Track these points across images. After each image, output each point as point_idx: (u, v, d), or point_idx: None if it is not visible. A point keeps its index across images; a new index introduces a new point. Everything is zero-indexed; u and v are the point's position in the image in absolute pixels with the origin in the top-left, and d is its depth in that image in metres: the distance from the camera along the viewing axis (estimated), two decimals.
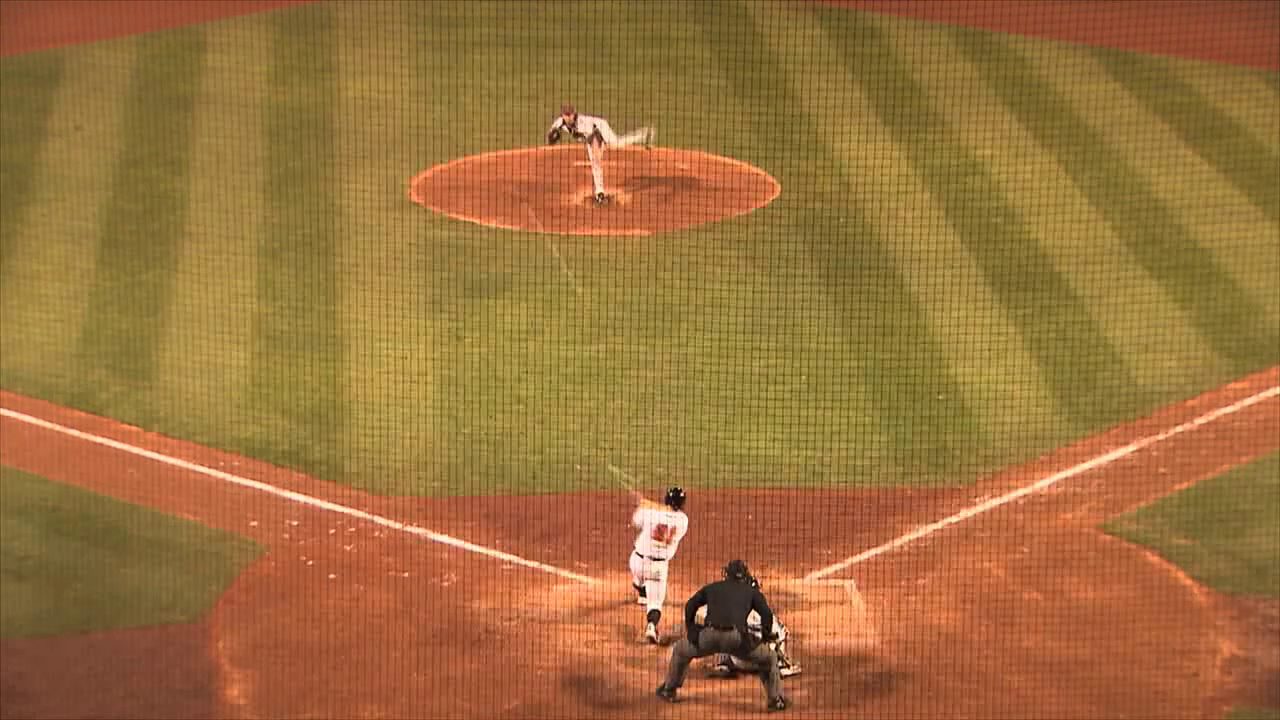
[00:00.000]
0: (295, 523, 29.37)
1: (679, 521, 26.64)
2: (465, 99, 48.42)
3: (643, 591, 26.79)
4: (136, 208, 41.56)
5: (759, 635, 25.02)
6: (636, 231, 40.15)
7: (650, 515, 26.64)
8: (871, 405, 32.96)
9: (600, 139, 40.66)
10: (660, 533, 26.52)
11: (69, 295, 37.07)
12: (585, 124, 40.57)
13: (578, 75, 46.64)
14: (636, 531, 26.71)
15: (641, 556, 26.57)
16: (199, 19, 54.54)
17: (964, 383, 33.69)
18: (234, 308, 36.57)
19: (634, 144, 41.56)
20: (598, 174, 41.10)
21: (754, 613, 25.06)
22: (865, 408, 32.86)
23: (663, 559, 26.45)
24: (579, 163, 41.72)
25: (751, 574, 25.91)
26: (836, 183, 42.79)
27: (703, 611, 25.09)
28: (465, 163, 44.19)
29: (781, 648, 25.54)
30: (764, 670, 24.97)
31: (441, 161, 44.12)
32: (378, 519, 29.42)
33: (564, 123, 40.55)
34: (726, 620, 24.82)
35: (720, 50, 52.51)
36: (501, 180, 42.78)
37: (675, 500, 26.80)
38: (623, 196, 41.74)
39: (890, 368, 34.19)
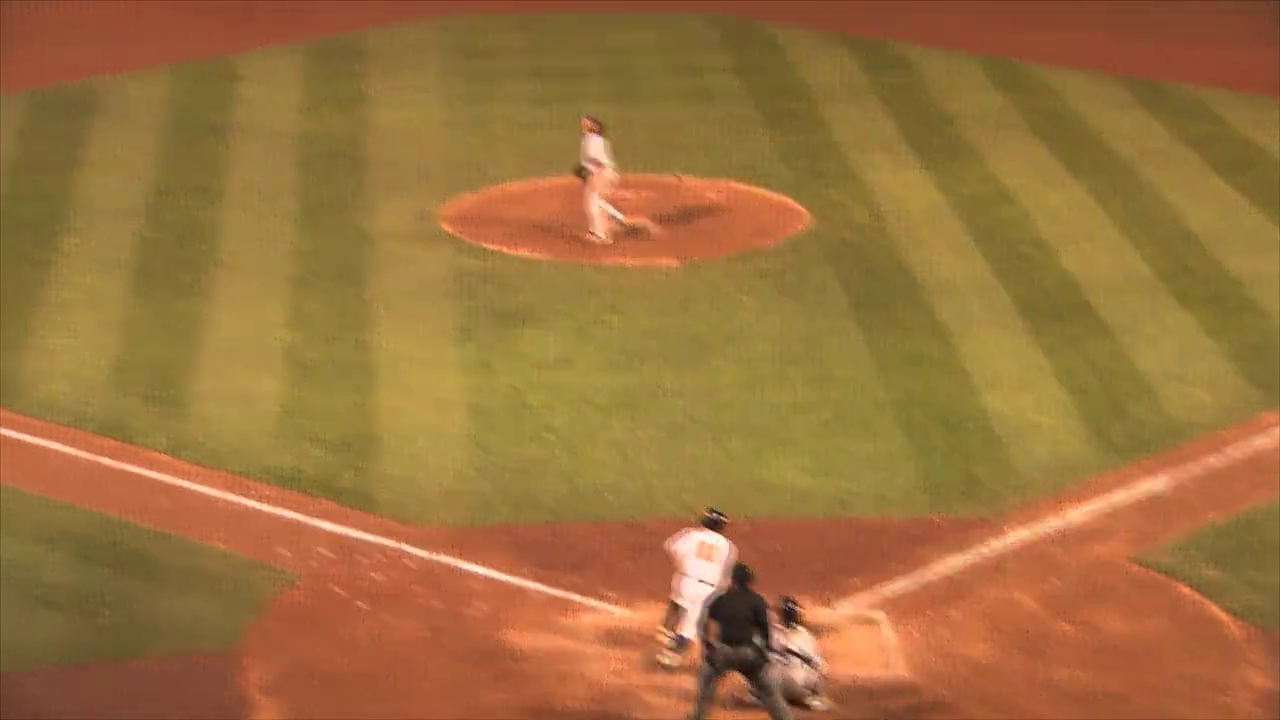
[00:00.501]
0: (325, 551, 29.39)
1: (721, 543, 26.17)
2: (496, 129, 48.51)
3: (675, 609, 26.47)
4: (168, 237, 41.68)
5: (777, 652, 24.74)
6: (666, 261, 40.16)
7: (689, 536, 26.38)
8: (901, 435, 32.89)
9: (596, 168, 40.08)
10: (702, 549, 26.23)
11: (101, 324, 37.18)
12: (595, 145, 40.07)
13: (608, 105, 46.71)
14: (679, 560, 26.35)
15: (687, 577, 26.33)
16: (231, 50, 54.76)
17: (994, 413, 33.61)
18: (265, 336, 36.65)
19: (603, 210, 40.86)
20: (596, 203, 40.53)
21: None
22: (894, 437, 32.80)
23: (709, 584, 25.72)
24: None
25: (796, 600, 25.63)
26: (867, 212, 42.77)
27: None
28: (496, 191, 44.28)
29: (816, 678, 25.41)
30: (763, 697, 24.65)
31: (472, 191, 44.21)
32: (407, 548, 29.42)
33: (585, 130, 40.14)
34: (736, 639, 24.60)
35: (750, 80, 52.55)
36: (533, 210, 42.84)
37: (714, 524, 26.41)
38: (652, 226, 41.75)
39: (920, 397, 34.13)
